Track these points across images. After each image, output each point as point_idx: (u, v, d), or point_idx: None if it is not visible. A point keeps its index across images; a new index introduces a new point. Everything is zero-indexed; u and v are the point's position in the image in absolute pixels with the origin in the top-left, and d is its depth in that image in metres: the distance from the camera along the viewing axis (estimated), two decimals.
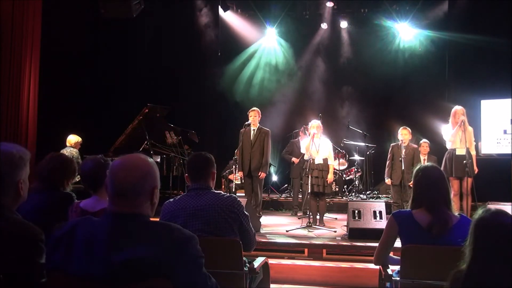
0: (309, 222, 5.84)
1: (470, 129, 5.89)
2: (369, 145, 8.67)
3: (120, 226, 1.51)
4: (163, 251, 1.47)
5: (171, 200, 2.66)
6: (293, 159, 7.51)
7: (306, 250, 4.96)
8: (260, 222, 5.97)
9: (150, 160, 1.64)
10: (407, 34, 9.38)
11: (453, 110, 5.86)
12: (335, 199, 8.35)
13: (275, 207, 8.40)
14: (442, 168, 5.72)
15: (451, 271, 1.69)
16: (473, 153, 5.86)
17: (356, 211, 5.17)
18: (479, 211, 1.69)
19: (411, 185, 2.69)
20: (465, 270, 1.65)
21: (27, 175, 1.86)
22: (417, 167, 2.56)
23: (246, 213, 2.66)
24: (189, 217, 2.51)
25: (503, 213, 1.65)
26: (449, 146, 5.90)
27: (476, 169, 5.79)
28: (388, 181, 6.52)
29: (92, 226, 1.54)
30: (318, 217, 6.20)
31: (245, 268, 2.59)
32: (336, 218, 6.96)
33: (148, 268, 1.45)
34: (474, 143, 6.05)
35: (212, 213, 2.53)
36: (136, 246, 1.47)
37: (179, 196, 2.68)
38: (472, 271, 1.62)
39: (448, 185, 2.50)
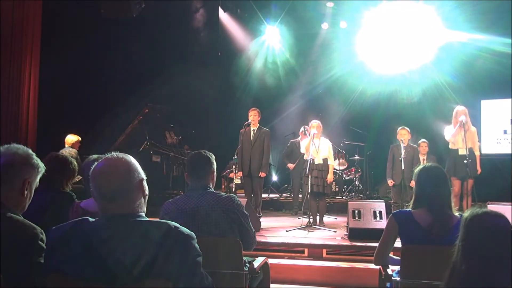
0: (309, 222, 5.84)
1: (473, 129, 5.90)
2: (369, 145, 8.67)
3: (116, 227, 1.51)
4: (160, 250, 1.47)
5: (171, 200, 2.66)
6: (289, 165, 7.53)
7: (306, 250, 4.95)
8: (260, 222, 5.97)
9: (127, 157, 1.62)
10: None
11: (454, 110, 5.88)
12: (335, 199, 8.35)
13: (275, 207, 8.40)
14: (445, 168, 5.76)
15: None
16: (477, 153, 5.86)
17: (356, 211, 5.16)
18: (472, 209, 1.70)
19: (411, 185, 2.69)
20: (451, 266, 1.66)
21: (35, 179, 1.87)
22: (419, 166, 2.57)
23: (246, 212, 2.66)
24: (188, 217, 2.51)
25: (497, 214, 1.66)
26: (451, 146, 5.92)
27: (479, 170, 5.79)
28: (390, 181, 6.53)
29: (89, 227, 1.54)
30: (318, 217, 6.21)
31: (245, 268, 2.59)
32: (336, 218, 6.96)
33: (146, 267, 1.45)
34: (479, 144, 6.05)
35: (211, 213, 2.52)
36: (133, 246, 1.46)
37: (178, 196, 2.68)
38: (460, 268, 1.63)
39: (450, 185, 2.50)
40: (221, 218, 2.53)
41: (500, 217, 1.64)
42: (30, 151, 1.87)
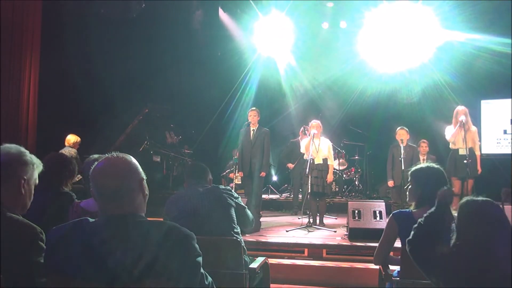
0: (309, 222, 5.84)
1: (474, 129, 5.90)
2: (369, 145, 8.67)
3: (116, 228, 1.51)
4: (160, 250, 1.46)
5: (173, 196, 2.81)
6: (289, 165, 7.53)
7: (306, 250, 4.95)
8: (260, 222, 5.97)
9: (127, 156, 1.62)
10: None
11: (455, 110, 5.88)
12: (335, 199, 8.35)
13: (275, 207, 8.41)
14: (445, 168, 5.77)
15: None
16: (477, 153, 5.87)
17: (356, 211, 5.16)
18: (469, 197, 1.74)
19: None
20: (449, 250, 1.70)
21: (32, 175, 1.87)
22: (416, 166, 2.57)
23: (237, 195, 2.91)
24: (189, 217, 2.53)
25: (487, 201, 1.69)
26: (452, 146, 5.92)
27: (479, 170, 5.79)
28: (391, 182, 6.51)
29: (89, 227, 1.53)
30: (318, 217, 6.20)
31: (245, 268, 2.59)
32: (336, 218, 6.96)
33: (146, 268, 1.44)
34: (479, 143, 6.06)
35: (212, 213, 2.59)
36: (133, 246, 1.46)
37: (180, 192, 2.78)
38: (454, 253, 1.66)
39: (450, 185, 2.51)
40: (222, 217, 2.57)
41: (490, 204, 1.68)
42: (22, 148, 1.86)
